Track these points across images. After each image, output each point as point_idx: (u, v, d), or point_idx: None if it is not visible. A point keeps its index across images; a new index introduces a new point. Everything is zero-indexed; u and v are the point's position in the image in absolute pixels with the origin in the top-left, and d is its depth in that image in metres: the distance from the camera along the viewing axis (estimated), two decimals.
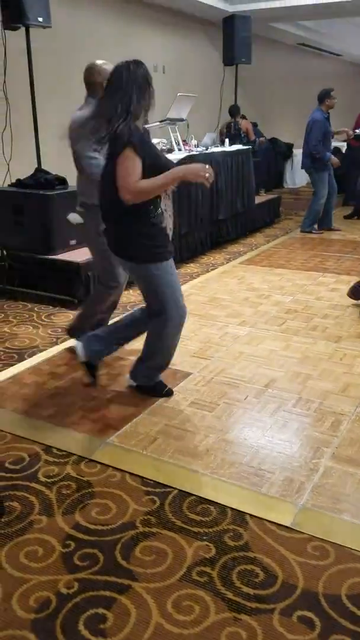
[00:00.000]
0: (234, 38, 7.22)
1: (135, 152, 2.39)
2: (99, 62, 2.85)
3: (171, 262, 2.70)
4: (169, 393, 2.95)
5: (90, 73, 3.03)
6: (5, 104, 4.81)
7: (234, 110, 8.05)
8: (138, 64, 2.47)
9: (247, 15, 7.43)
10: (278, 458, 2.41)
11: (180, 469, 2.34)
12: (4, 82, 4.72)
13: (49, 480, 2.27)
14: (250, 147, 7.08)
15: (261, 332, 3.83)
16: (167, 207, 2.66)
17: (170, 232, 2.72)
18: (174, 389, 2.99)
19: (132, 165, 2.40)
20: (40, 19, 4.47)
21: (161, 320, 2.74)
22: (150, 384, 2.96)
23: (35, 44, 4.63)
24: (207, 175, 2.45)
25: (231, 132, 7.86)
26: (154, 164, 2.47)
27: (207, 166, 2.49)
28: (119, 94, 2.42)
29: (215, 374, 3.19)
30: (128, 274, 2.98)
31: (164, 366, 2.95)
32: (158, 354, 2.87)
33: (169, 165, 2.55)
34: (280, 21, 9.67)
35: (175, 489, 2.22)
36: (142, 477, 2.28)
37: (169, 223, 2.70)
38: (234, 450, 2.47)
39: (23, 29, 4.54)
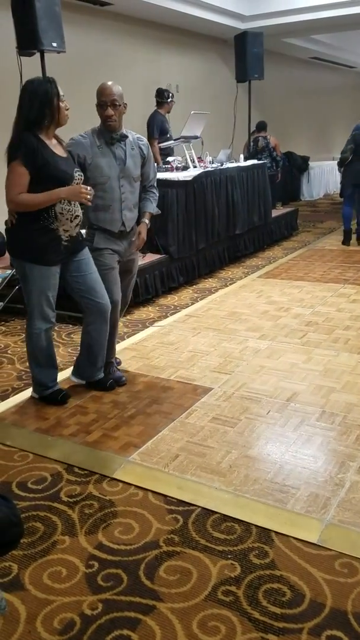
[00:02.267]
0: (246, 54, 7.28)
1: (21, 164, 2.64)
2: (109, 83, 2.91)
3: (48, 269, 2.81)
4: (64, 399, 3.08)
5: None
6: None
7: (262, 125, 8.21)
8: (46, 80, 2.71)
9: (259, 31, 7.50)
10: (303, 473, 2.37)
11: (203, 486, 2.31)
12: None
13: (71, 500, 2.26)
14: (270, 161, 7.17)
15: (282, 345, 3.80)
16: (64, 211, 2.77)
17: (66, 234, 2.82)
18: (194, 405, 2.97)
19: (16, 177, 2.65)
20: (54, 44, 4.56)
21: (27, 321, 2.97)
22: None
23: (50, 68, 4.72)
24: (87, 196, 2.72)
25: (258, 147, 7.99)
26: (40, 173, 2.66)
27: (88, 188, 2.74)
28: (22, 107, 2.69)
29: (236, 389, 3.16)
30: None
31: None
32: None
33: (63, 175, 2.73)
34: (292, 36, 9.75)
35: (198, 507, 2.19)
36: (164, 496, 2.26)
37: (65, 225, 2.79)
38: (258, 467, 2.43)
39: (38, 54, 4.64)
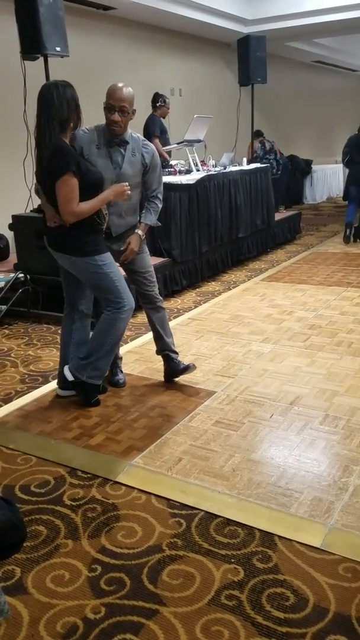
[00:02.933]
0: (249, 58, 7.29)
1: (72, 176, 2.65)
2: (120, 84, 2.89)
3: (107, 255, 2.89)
4: (97, 403, 3.07)
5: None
6: (26, 132, 4.92)
7: (259, 132, 8.28)
8: (67, 84, 2.72)
9: (262, 35, 7.52)
10: (306, 477, 2.37)
11: (206, 490, 2.31)
12: (24, 110, 4.83)
13: (74, 504, 2.25)
14: (274, 163, 7.21)
15: (285, 348, 3.80)
16: (105, 210, 2.87)
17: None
18: (197, 408, 2.98)
19: (72, 190, 2.67)
20: (58, 49, 4.57)
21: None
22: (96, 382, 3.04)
23: (54, 72, 4.74)
24: (126, 192, 2.82)
25: (266, 149, 8.06)
26: (87, 180, 2.72)
27: (125, 184, 2.82)
28: (51, 109, 2.66)
29: (240, 392, 3.16)
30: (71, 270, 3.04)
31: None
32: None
33: (100, 177, 2.81)
34: (295, 40, 9.77)
35: (201, 510, 2.19)
36: (167, 499, 2.25)
37: (106, 221, 2.90)
38: (261, 470, 2.43)
39: (41, 58, 4.66)
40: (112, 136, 2.89)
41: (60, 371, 3.17)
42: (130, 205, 3.02)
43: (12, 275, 4.58)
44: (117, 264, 3.07)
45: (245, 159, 6.94)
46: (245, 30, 8.46)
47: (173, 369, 3.29)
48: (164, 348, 3.30)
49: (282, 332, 4.12)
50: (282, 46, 9.72)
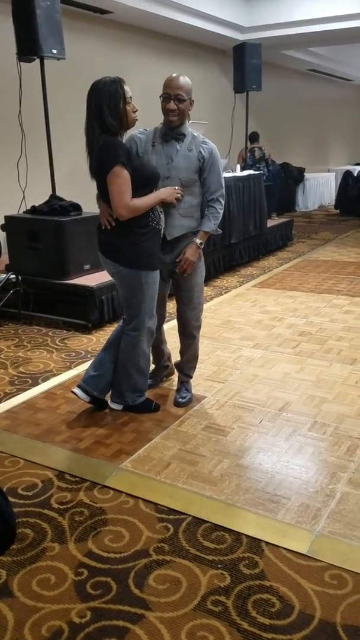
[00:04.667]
0: (244, 66, 7.34)
1: (123, 168, 2.53)
2: (175, 74, 2.79)
3: (157, 273, 2.80)
4: (157, 408, 3.03)
5: None
6: (20, 134, 4.91)
7: (255, 136, 8.25)
8: (113, 81, 2.57)
9: (257, 43, 7.57)
10: (294, 483, 2.37)
11: (195, 495, 2.31)
12: (20, 112, 4.83)
13: (61, 507, 2.25)
14: (266, 171, 7.21)
15: (275, 354, 3.81)
16: (160, 209, 2.76)
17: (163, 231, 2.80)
18: (187, 413, 2.98)
19: (124, 182, 2.54)
20: (54, 51, 4.59)
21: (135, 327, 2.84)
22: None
23: (50, 74, 4.75)
24: (179, 195, 2.75)
25: (255, 157, 8.03)
26: (139, 174, 2.61)
27: (176, 187, 2.74)
28: (93, 108, 2.55)
29: (229, 398, 3.17)
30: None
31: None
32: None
33: (155, 172, 2.70)
34: (291, 48, 9.84)
35: (189, 515, 2.19)
36: (155, 504, 2.25)
37: (163, 222, 2.78)
38: (249, 476, 2.43)
39: (38, 60, 4.67)
40: (168, 129, 2.75)
41: (89, 376, 2.96)
42: (187, 206, 2.81)
43: (3, 276, 4.56)
44: (167, 280, 2.98)
45: (238, 166, 6.97)
46: (241, 37, 8.52)
47: (175, 397, 3.15)
48: (179, 368, 3.23)
49: (273, 338, 4.13)
50: (277, 54, 9.80)
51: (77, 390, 2.96)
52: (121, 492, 2.33)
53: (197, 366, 3.26)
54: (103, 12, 6.72)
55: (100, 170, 2.58)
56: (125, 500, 2.28)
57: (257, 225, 6.75)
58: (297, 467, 2.49)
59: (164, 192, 2.68)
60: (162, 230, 2.79)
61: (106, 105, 2.52)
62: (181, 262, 2.85)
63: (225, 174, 6.24)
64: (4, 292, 4.47)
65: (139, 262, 2.70)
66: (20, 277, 4.55)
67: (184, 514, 2.20)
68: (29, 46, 4.52)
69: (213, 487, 2.35)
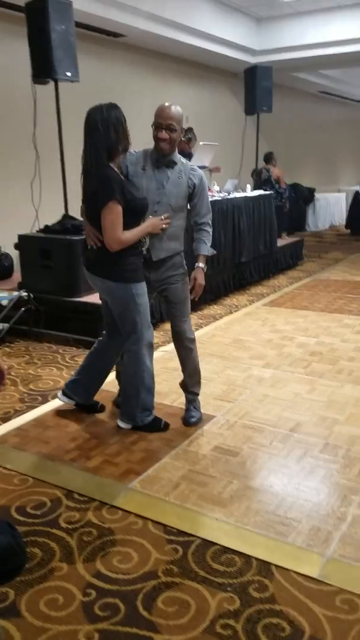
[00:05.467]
0: (255, 88, 7.43)
1: (117, 203, 2.62)
2: (167, 104, 2.78)
3: (144, 284, 2.87)
4: (167, 426, 3.04)
5: None
6: (34, 154, 4.99)
7: (268, 157, 8.32)
8: (111, 106, 2.66)
9: (268, 66, 7.67)
10: (305, 506, 2.35)
11: (204, 516, 2.29)
12: (34, 133, 4.91)
13: (70, 527, 2.23)
14: (274, 192, 7.23)
15: (286, 374, 3.79)
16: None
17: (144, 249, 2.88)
18: (196, 432, 2.96)
19: (117, 217, 2.64)
20: (68, 74, 4.67)
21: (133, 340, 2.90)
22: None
23: (64, 96, 4.84)
24: (164, 225, 2.83)
25: (262, 178, 8.09)
26: (131, 207, 2.70)
27: (162, 217, 2.82)
28: (95, 136, 2.62)
29: (239, 418, 3.15)
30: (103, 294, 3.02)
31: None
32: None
33: (144, 203, 2.77)
34: (301, 71, 9.96)
35: (198, 537, 2.16)
36: (164, 525, 2.23)
37: (145, 244, 2.86)
38: (259, 498, 2.41)
39: (52, 82, 4.76)
40: (159, 156, 2.83)
41: (73, 379, 3.21)
42: (174, 230, 2.90)
43: (15, 293, 4.60)
44: (153, 294, 3.04)
45: (249, 186, 7.02)
46: (252, 60, 8.63)
47: (184, 417, 3.15)
48: (183, 387, 3.25)
49: (283, 357, 4.12)
50: (288, 76, 9.91)
51: (60, 396, 3.21)
52: (130, 512, 2.32)
53: (207, 384, 3.25)
54: (117, 35, 6.85)
55: (96, 200, 2.68)
56: (134, 521, 2.26)
57: (267, 244, 6.77)
58: (308, 489, 2.47)
59: (151, 225, 2.79)
60: (147, 252, 2.88)
61: (113, 130, 2.61)
62: (195, 288, 2.98)
63: (236, 194, 6.30)
64: (16, 310, 4.51)
65: (126, 276, 2.79)
66: (32, 295, 4.59)
67: (193, 535, 2.17)
68: (43, 69, 4.61)
69: (222, 509, 2.33)
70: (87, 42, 6.37)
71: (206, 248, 3.00)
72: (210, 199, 5.63)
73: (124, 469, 2.63)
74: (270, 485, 2.50)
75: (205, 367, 3.91)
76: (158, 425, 3.02)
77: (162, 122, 2.76)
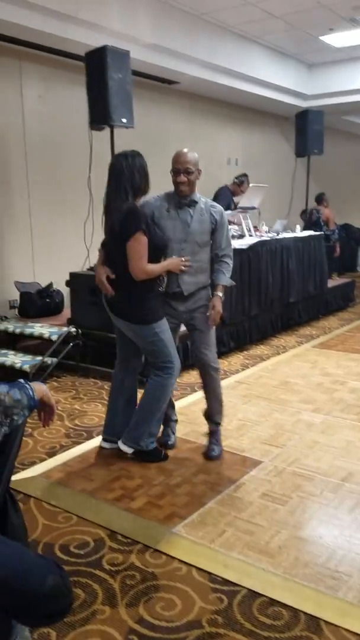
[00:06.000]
0: (306, 131, 7.50)
1: (143, 234, 2.79)
2: (184, 150, 3.02)
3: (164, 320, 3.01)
4: (166, 457, 3.12)
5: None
6: (89, 196, 5.16)
7: (319, 198, 8.37)
8: (135, 153, 2.91)
9: (320, 110, 7.75)
10: (356, 560, 2.23)
11: (250, 566, 2.20)
12: (89, 176, 5.09)
13: (113, 569, 2.19)
14: (323, 233, 7.22)
15: (337, 420, 3.67)
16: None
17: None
18: (243, 478, 2.89)
19: (143, 247, 2.80)
20: (124, 120, 4.84)
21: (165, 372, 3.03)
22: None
23: (119, 141, 5.01)
24: (182, 267, 2.97)
25: (312, 219, 8.13)
26: (152, 244, 2.85)
27: (182, 258, 2.96)
28: (121, 178, 2.83)
29: (288, 464, 3.06)
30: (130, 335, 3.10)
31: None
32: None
33: (165, 241, 2.95)
34: (352, 114, 10.01)
35: (244, 587, 2.08)
36: (209, 573, 2.16)
37: (162, 282, 3.02)
38: (309, 549, 2.31)
39: (108, 128, 4.94)
40: (180, 197, 3.00)
41: (107, 424, 3.26)
42: (200, 265, 3.06)
43: (64, 329, 4.69)
44: (179, 325, 3.19)
45: (298, 226, 7.02)
46: (303, 104, 8.74)
47: (205, 451, 3.22)
48: (205, 415, 3.31)
49: (334, 402, 4.00)
50: (338, 119, 9.98)
51: (103, 443, 3.24)
52: (174, 558, 2.26)
53: (253, 427, 3.20)
54: (171, 82, 7.09)
55: (123, 232, 2.81)
56: (178, 567, 2.20)
57: (317, 285, 6.70)
58: None
59: (172, 263, 2.95)
60: (170, 288, 3.03)
61: (137, 171, 2.85)
62: (212, 315, 3.07)
63: (285, 234, 6.31)
64: (64, 345, 4.59)
65: (146, 319, 2.93)
66: (80, 331, 4.67)
67: (239, 585, 2.09)
68: (100, 115, 4.79)
69: (270, 560, 2.24)
70: (142, 88, 6.61)
71: (225, 279, 3.11)
72: (258, 239, 5.71)
73: (168, 512, 2.58)
74: (320, 537, 2.39)
75: (252, 410, 3.85)
76: (159, 455, 3.10)
77: (180, 167, 2.94)
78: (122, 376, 3.24)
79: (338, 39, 7.34)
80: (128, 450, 3.10)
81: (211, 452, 3.17)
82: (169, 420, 3.33)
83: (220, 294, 3.09)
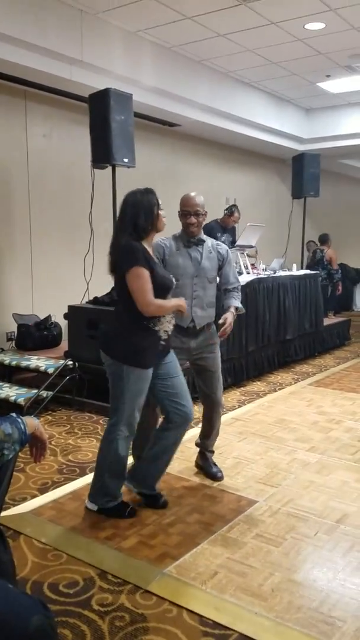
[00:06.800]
0: (303, 174, 7.67)
1: (144, 267, 2.68)
2: (192, 194, 3.12)
3: (146, 372, 2.77)
4: (133, 513, 2.88)
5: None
6: (90, 232, 5.25)
7: (324, 239, 8.54)
8: (147, 191, 2.81)
9: (316, 154, 7.94)
10: (350, 605, 2.18)
11: (242, 609, 2.15)
12: (90, 212, 5.18)
13: (102, 609, 2.14)
14: (325, 273, 7.33)
15: (332, 460, 3.64)
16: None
17: (165, 334, 2.83)
18: (237, 518, 2.85)
19: (146, 280, 2.68)
20: (125, 160, 4.96)
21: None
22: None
23: (120, 180, 5.12)
24: (184, 308, 2.88)
25: (315, 258, 8.29)
26: (158, 281, 2.73)
27: (183, 299, 2.91)
28: (127, 215, 2.75)
29: (283, 504, 3.02)
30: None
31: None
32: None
33: (170, 280, 2.85)
34: (349, 158, 10.25)
35: (236, 631, 2.03)
36: (200, 616, 2.11)
37: (164, 325, 2.81)
38: (302, 593, 2.26)
39: (110, 167, 5.05)
40: (189, 237, 3.16)
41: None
42: (209, 299, 3.21)
43: (61, 362, 4.69)
44: (187, 361, 3.19)
45: (295, 265, 7.10)
46: (300, 147, 8.96)
47: (206, 468, 3.40)
48: (204, 447, 3.43)
49: (330, 442, 3.97)
50: (335, 162, 10.21)
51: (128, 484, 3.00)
52: (164, 599, 2.20)
53: (248, 466, 3.19)
54: (172, 125, 7.29)
55: (120, 269, 2.71)
56: (168, 609, 2.15)
57: (313, 323, 6.74)
58: (354, 586, 2.30)
59: (179, 304, 2.84)
60: (161, 334, 2.79)
61: (143, 211, 2.74)
62: (225, 326, 3.13)
63: (282, 272, 6.38)
64: (60, 378, 4.58)
65: (125, 355, 2.72)
66: (77, 364, 4.67)
67: (231, 629, 2.04)
68: (103, 155, 4.91)
69: (263, 603, 2.19)
70: (144, 130, 6.79)
71: (237, 303, 3.27)
72: (256, 277, 5.76)
73: (159, 552, 2.53)
74: (314, 580, 2.35)
75: (247, 447, 3.82)
76: (122, 512, 2.85)
77: (190, 210, 3.09)
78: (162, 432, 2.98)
79: (335, 85, 7.59)
80: (92, 507, 2.90)
81: (218, 474, 3.32)
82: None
83: (234, 311, 3.22)
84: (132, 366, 2.73)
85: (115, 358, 2.76)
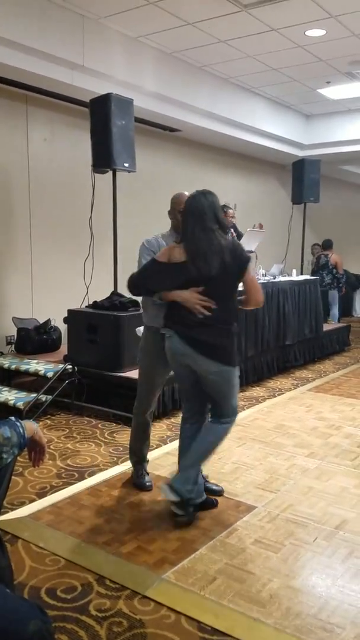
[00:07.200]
0: (303, 180, 7.69)
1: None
2: (186, 193, 3.10)
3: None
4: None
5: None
6: (90, 236, 5.25)
7: (328, 244, 8.58)
8: (209, 192, 2.87)
9: (316, 159, 7.96)
10: (349, 611, 2.17)
11: (241, 615, 2.14)
12: (90, 216, 5.19)
13: (100, 615, 2.13)
14: (330, 277, 7.36)
15: (332, 466, 3.63)
16: None
17: None
18: (236, 524, 2.84)
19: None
20: (126, 165, 4.98)
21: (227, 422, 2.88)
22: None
23: (121, 185, 5.13)
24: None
25: (319, 263, 8.34)
26: None
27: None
28: (209, 215, 2.76)
29: (282, 510, 3.01)
30: (209, 379, 2.80)
31: None
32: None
33: None
34: (349, 164, 10.28)
35: (234, 638, 2.02)
36: (198, 622, 2.10)
37: None
38: (300, 599, 2.25)
39: (110, 171, 5.07)
40: (179, 236, 3.08)
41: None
42: None
43: (60, 366, 4.68)
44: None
45: (295, 270, 7.11)
46: (300, 153, 8.99)
47: (213, 491, 3.18)
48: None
49: (329, 447, 3.96)
50: (335, 168, 10.23)
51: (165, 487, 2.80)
52: (162, 605, 2.19)
53: (248, 471, 3.17)
54: (173, 130, 7.31)
55: (236, 267, 2.74)
56: (166, 615, 2.14)
57: (312, 328, 6.74)
58: (353, 593, 2.29)
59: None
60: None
61: (219, 210, 2.84)
62: None
63: (281, 278, 6.39)
64: (59, 382, 4.57)
65: (237, 360, 2.85)
66: (76, 368, 4.66)
67: (229, 635, 2.03)
68: (104, 160, 4.92)
69: (261, 609, 2.18)
70: (144, 135, 6.80)
71: None
72: None
73: (158, 558, 2.52)
74: (313, 586, 2.34)
75: (247, 453, 3.81)
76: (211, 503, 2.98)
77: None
78: (196, 427, 3.00)
79: (335, 92, 7.61)
80: (176, 498, 2.76)
81: (215, 487, 3.21)
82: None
83: None
84: (238, 366, 2.86)
85: (232, 364, 2.80)
